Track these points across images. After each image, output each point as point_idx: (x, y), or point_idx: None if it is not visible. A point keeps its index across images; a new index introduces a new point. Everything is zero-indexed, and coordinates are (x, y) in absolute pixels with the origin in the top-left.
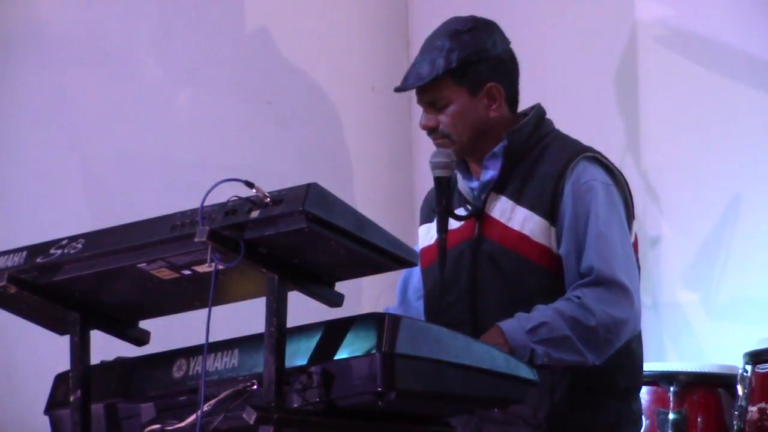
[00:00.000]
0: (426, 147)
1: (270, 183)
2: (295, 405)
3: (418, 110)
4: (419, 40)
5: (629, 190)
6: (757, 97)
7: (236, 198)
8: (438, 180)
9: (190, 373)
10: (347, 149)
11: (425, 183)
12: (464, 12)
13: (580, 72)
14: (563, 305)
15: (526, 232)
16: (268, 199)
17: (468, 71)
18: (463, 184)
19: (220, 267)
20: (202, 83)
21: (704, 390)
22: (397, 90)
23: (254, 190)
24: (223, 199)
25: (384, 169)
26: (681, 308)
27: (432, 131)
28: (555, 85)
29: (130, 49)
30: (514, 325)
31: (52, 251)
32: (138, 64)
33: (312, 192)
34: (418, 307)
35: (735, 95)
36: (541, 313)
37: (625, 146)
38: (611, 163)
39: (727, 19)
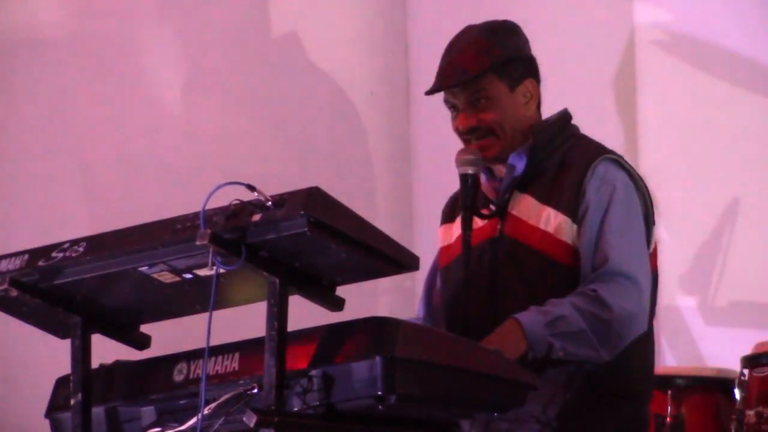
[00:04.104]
0: (425, 151)
1: (271, 186)
2: (296, 408)
3: (417, 114)
4: (418, 45)
5: (650, 197)
6: (755, 101)
7: (238, 201)
8: (464, 177)
9: (191, 376)
10: (346, 153)
11: (424, 186)
12: (463, 15)
13: (578, 75)
14: (579, 299)
15: (549, 230)
16: (270, 203)
17: (510, 67)
18: (486, 184)
19: (222, 270)
20: (201, 88)
21: (702, 394)
22: (435, 90)
23: (256, 194)
24: (225, 203)
25: (382, 173)
26: (679, 312)
27: (473, 131)
28: (552, 88)
29: (130, 54)
30: (532, 318)
31: (53, 254)
32: (137, 69)
33: (313, 195)
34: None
35: (733, 98)
36: (558, 306)
37: (623, 150)
38: (632, 167)
39: (725, 23)
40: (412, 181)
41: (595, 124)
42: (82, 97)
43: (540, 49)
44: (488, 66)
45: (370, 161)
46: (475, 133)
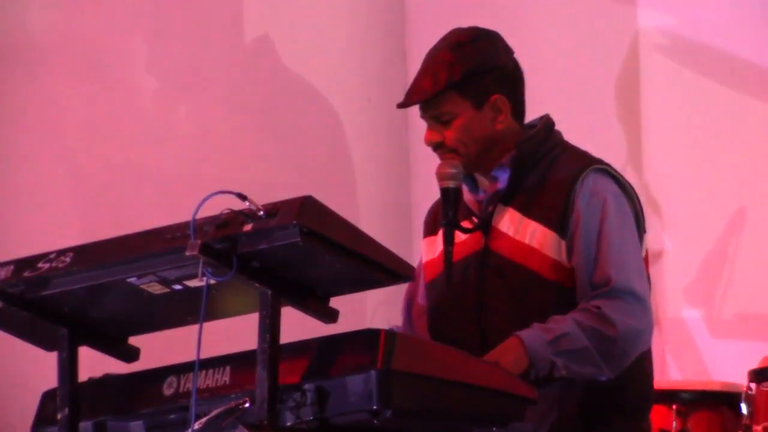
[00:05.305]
0: (423, 159)
1: (264, 195)
2: (289, 423)
3: (415, 121)
4: (416, 51)
5: (640, 204)
6: (760, 107)
7: (229, 211)
8: (445, 191)
9: (181, 390)
10: (343, 161)
11: (422, 194)
12: (463, 22)
13: (581, 81)
14: (582, 316)
15: (534, 245)
16: (262, 212)
17: (472, 84)
18: (469, 196)
19: (212, 281)
20: (195, 94)
21: (708, 409)
22: (400, 106)
23: (247, 203)
24: (216, 212)
25: (380, 181)
26: (684, 324)
27: (438, 146)
28: (555, 94)
29: (122, 60)
30: (535, 336)
31: (40, 265)
32: (130, 75)
33: (306, 205)
34: (420, 325)
35: (739, 105)
36: (560, 324)
37: (627, 157)
38: (621, 175)
39: (730, 28)
40: (411, 189)
41: (598, 130)
42: (74, 104)
43: (542, 55)
44: (444, 87)
45: (366, 170)
46: (440, 149)
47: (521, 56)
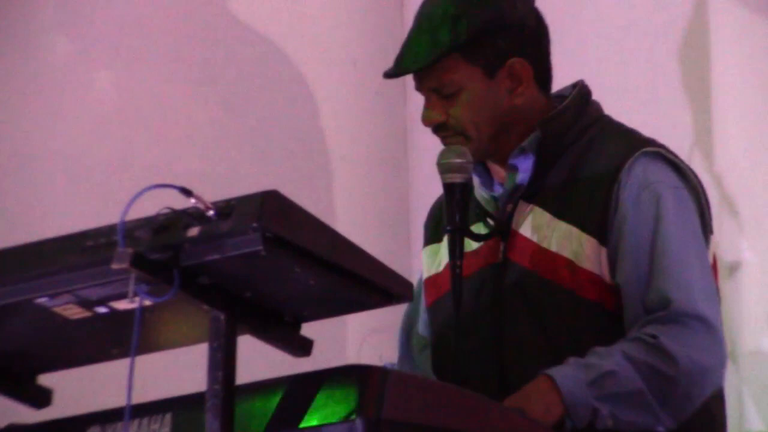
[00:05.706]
0: (425, 142)
1: (215, 190)
2: None
3: (416, 93)
4: (416, 1)
5: (705, 196)
6: None
7: (169, 210)
8: (450, 187)
9: None
10: (320, 144)
11: (423, 188)
12: None
13: (633, 45)
14: (634, 348)
15: (568, 254)
16: (212, 212)
17: (482, 45)
18: (481, 191)
19: (147, 303)
20: (125, 59)
21: None
22: (388, 76)
23: (193, 200)
24: (152, 212)
25: (368, 172)
26: (767, 359)
27: (439, 127)
28: (599, 62)
29: (29, 15)
30: (571, 375)
31: None
32: (38, 33)
33: (270, 202)
34: (423, 361)
35: None
36: (605, 358)
37: (693, 142)
38: (680, 160)
39: None
40: (409, 181)
41: (656, 108)
42: None
43: (582, 11)
44: (447, 49)
45: (349, 157)
46: (442, 131)
47: (561, 15)
